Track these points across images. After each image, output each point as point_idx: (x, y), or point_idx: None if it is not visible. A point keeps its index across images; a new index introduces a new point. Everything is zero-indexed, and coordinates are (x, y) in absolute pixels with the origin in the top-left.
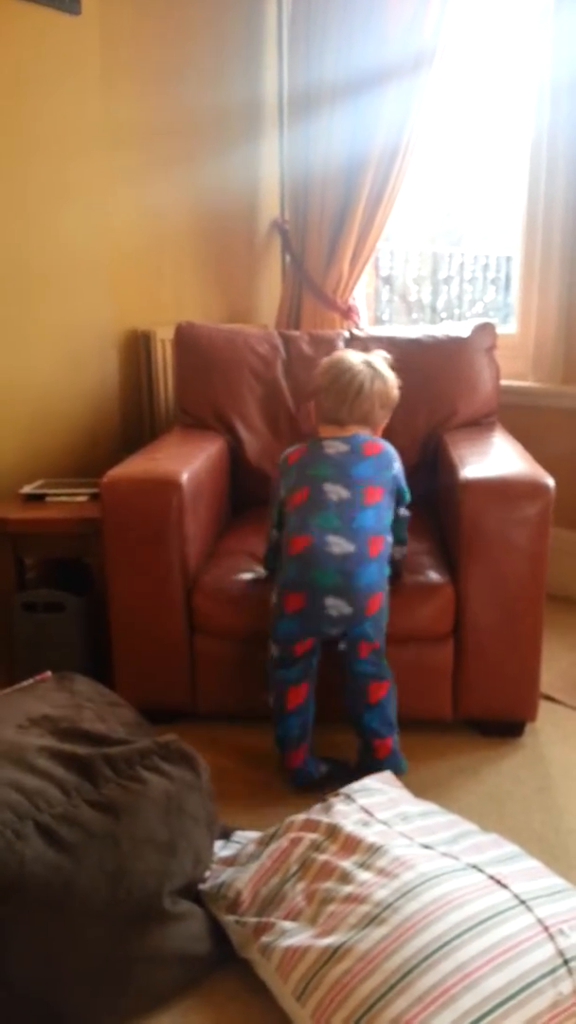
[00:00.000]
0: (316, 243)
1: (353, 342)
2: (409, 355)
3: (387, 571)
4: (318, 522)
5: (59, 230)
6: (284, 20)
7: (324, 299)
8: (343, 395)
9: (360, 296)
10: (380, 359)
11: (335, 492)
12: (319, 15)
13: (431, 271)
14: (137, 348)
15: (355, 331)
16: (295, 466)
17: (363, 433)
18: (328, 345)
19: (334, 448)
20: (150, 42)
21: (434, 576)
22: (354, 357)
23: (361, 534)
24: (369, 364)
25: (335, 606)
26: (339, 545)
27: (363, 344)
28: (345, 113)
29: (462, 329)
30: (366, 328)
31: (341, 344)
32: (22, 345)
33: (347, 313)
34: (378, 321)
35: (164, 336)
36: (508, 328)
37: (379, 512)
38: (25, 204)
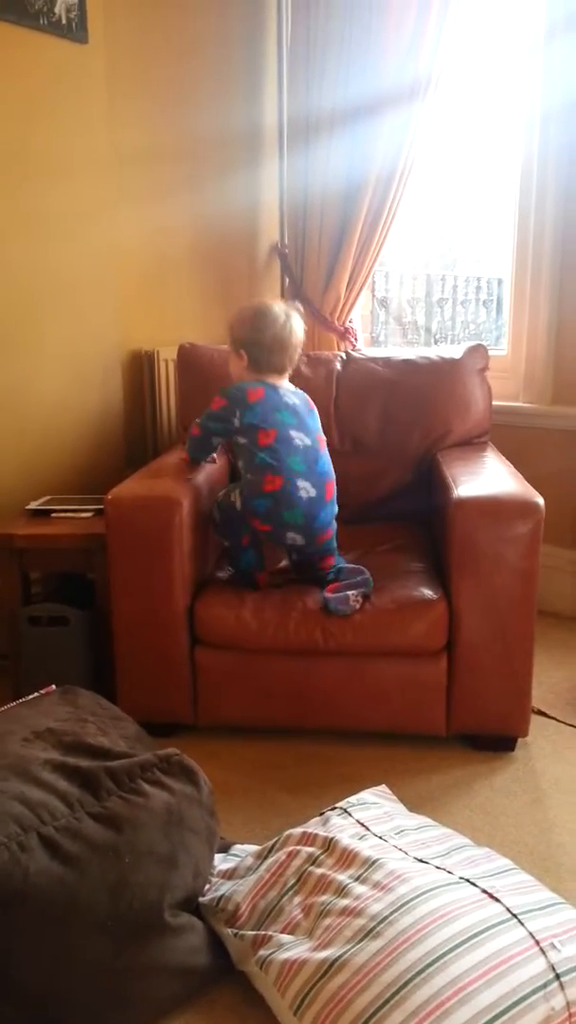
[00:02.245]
0: (314, 266)
1: (350, 363)
2: (403, 375)
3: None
4: (289, 465)
5: (66, 252)
6: (284, 49)
7: (322, 321)
8: (284, 344)
9: (357, 318)
10: (295, 309)
11: (299, 439)
12: (318, 45)
13: (425, 293)
14: (141, 368)
15: (352, 352)
16: (258, 404)
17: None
18: (325, 365)
19: (291, 398)
20: (154, 71)
21: (427, 592)
22: (279, 307)
23: (323, 478)
24: (292, 314)
25: (293, 539)
26: (306, 490)
27: (359, 364)
28: (343, 141)
29: (455, 351)
30: (363, 349)
31: (338, 365)
32: (30, 364)
33: (344, 334)
34: (374, 342)
35: (167, 356)
36: (499, 349)
37: (328, 458)
38: (33, 226)
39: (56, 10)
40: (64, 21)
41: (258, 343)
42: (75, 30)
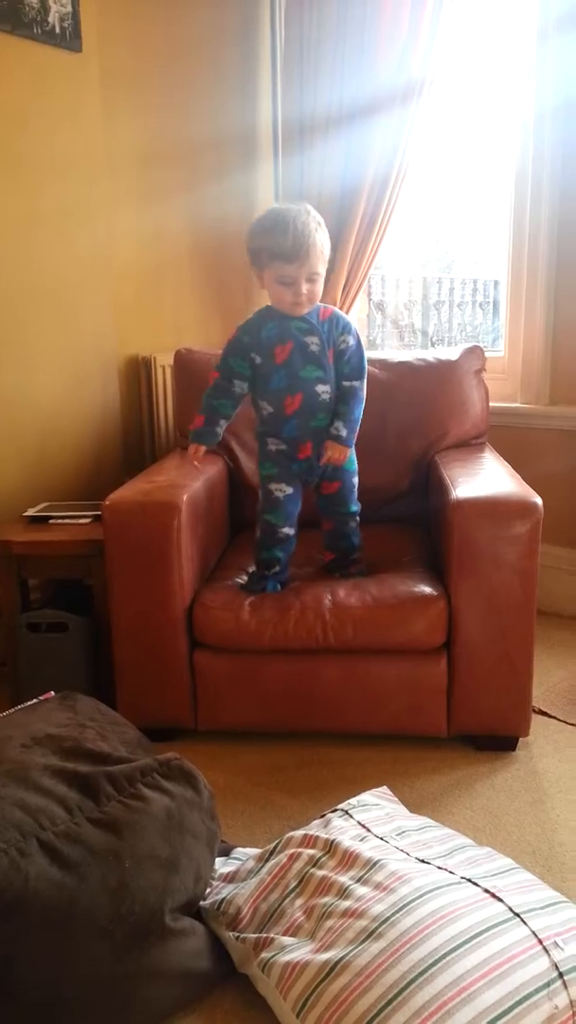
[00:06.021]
0: None
1: None
2: (401, 378)
3: None
4: None
5: (63, 257)
6: (278, 51)
7: None
8: None
9: (353, 321)
10: None
11: None
12: (312, 48)
13: (421, 296)
14: (138, 373)
15: None
16: None
17: None
18: None
19: None
20: (148, 76)
21: (427, 588)
22: None
23: None
24: None
25: None
26: None
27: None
28: (338, 143)
29: (451, 352)
30: None
31: None
32: (27, 370)
33: None
34: (371, 345)
35: (164, 361)
36: (497, 351)
37: None
38: (31, 232)
39: (50, 19)
40: (58, 30)
41: None
42: (69, 39)
